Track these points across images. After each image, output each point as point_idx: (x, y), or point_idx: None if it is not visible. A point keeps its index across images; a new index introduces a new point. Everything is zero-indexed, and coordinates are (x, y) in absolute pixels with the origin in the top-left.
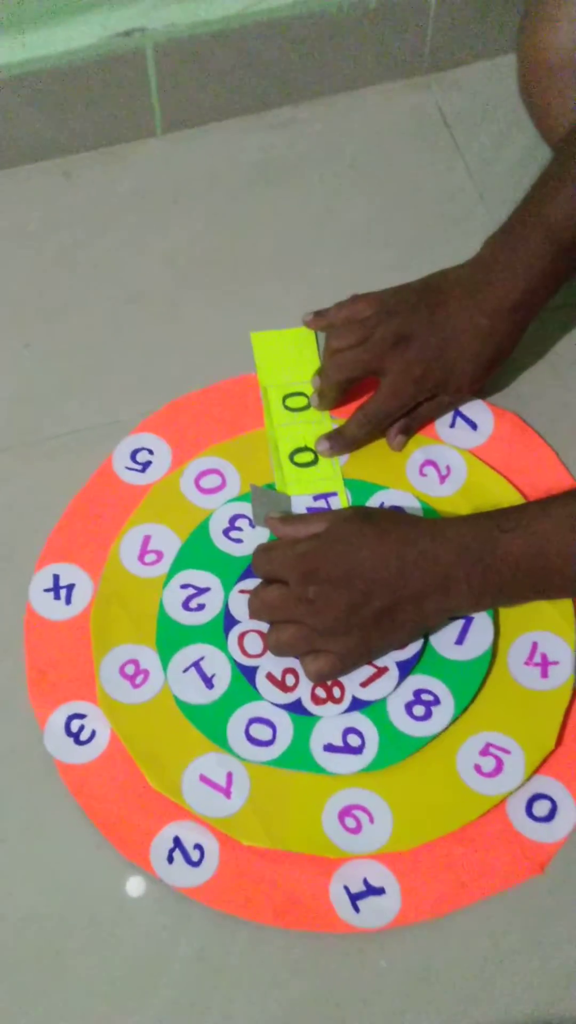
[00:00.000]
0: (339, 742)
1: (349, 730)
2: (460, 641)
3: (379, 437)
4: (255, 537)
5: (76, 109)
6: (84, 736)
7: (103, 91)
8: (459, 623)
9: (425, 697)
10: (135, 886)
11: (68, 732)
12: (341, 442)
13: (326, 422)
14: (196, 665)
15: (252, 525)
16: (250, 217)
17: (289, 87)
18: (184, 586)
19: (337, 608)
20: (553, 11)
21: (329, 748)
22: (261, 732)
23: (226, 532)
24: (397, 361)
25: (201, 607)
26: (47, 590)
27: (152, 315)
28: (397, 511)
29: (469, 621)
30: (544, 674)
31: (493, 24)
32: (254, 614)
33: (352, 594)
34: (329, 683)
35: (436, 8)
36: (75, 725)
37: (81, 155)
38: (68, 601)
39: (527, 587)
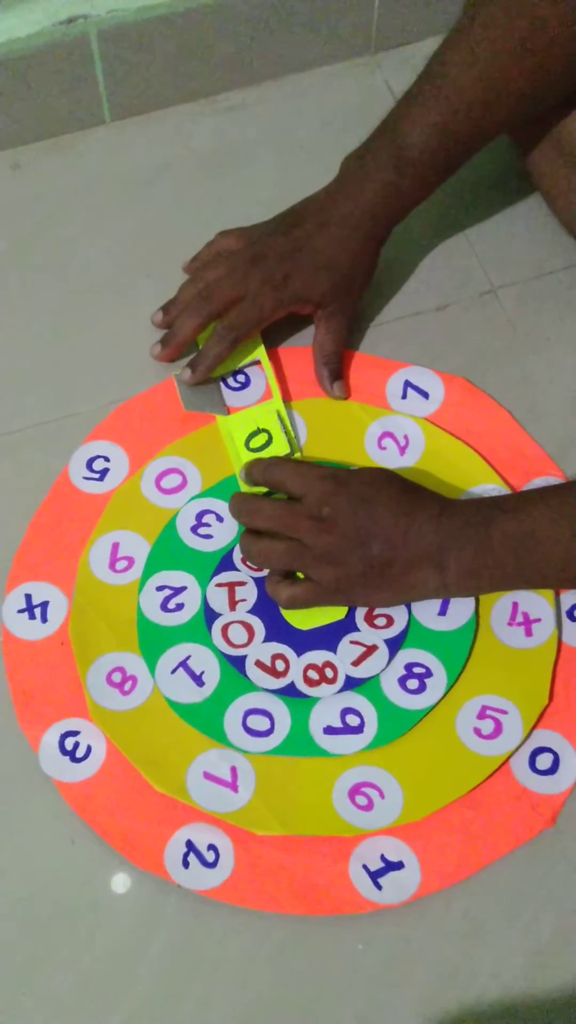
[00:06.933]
0: (338, 723)
1: (347, 710)
2: (443, 612)
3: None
4: (224, 532)
5: (22, 99)
6: (80, 753)
7: (49, 80)
8: None
9: (417, 670)
10: (113, 880)
11: (63, 751)
12: (204, 362)
13: (277, 402)
14: (183, 664)
15: (220, 520)
16: (203, 203)
17: (238, 71)
18: (160, 588)
19: (342, 536)
20: None
21: (329, 731)
22: (258, 723)
23: (194, 529)
24: (257, 276)
25: (180, 606)
26: (21, 611)
27: (107, 306)
28: None
29: None
30: (528, 632)
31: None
32: (252, 520)
33: (360, 530)
34: (321, 664)
35: None
36: (69, 743)
37: (29, 146)
38: (44, 619)
39: (512, 570)
